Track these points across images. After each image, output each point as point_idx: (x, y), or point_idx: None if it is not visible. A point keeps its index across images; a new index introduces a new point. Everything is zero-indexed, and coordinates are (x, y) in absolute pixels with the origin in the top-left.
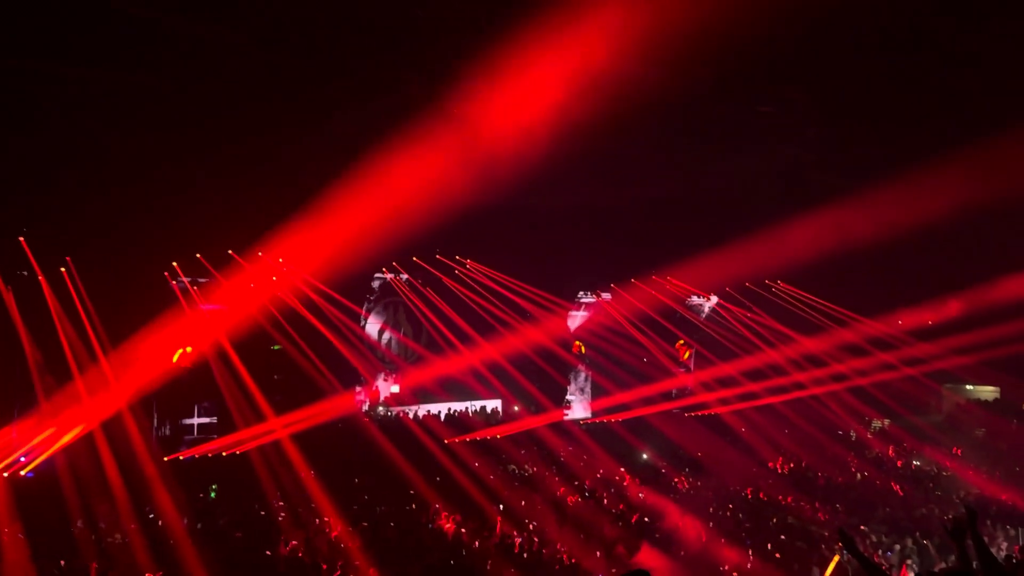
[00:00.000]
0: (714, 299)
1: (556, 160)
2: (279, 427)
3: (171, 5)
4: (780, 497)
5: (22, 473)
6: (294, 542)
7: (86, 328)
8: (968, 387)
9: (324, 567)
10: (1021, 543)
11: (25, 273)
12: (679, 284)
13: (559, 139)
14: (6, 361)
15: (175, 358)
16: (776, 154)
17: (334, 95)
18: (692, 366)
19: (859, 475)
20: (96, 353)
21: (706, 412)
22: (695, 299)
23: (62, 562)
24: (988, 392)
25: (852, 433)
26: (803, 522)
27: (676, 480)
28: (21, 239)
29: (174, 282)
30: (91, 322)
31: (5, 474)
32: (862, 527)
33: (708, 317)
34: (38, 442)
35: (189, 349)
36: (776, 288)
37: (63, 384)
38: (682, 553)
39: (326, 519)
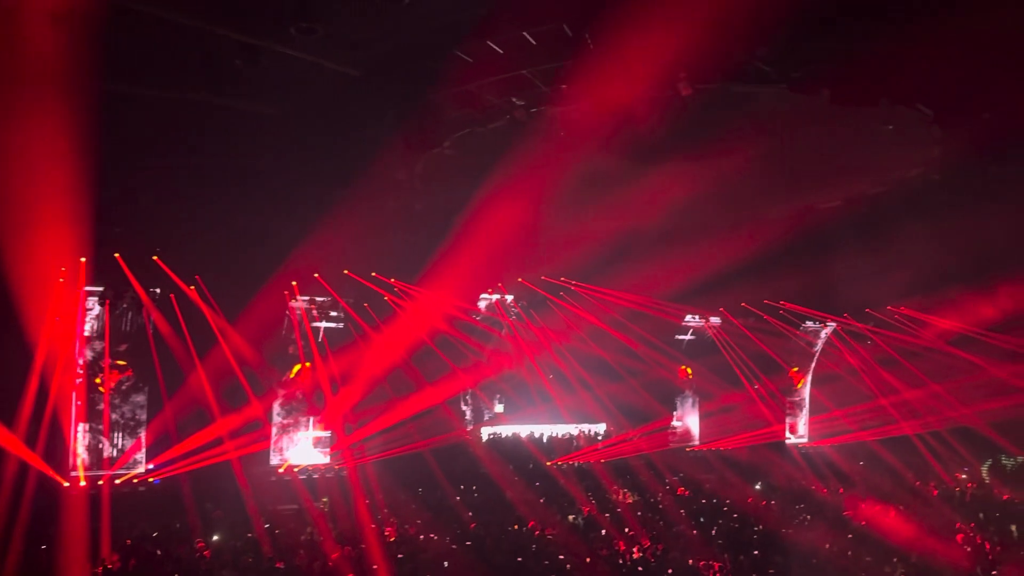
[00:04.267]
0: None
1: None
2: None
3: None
4: None
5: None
6: None
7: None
8: None
9: None
10: None
11: (158, 291)
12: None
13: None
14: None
15: (293, 373)
16: None
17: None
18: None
19: None
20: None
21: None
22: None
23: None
24: None
25: None
26: None
27: None
28: (156, 258)
29: (292, 303)
30: (226, 339)
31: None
32: None
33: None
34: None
35: (308, 364)
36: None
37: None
38: None
39: None
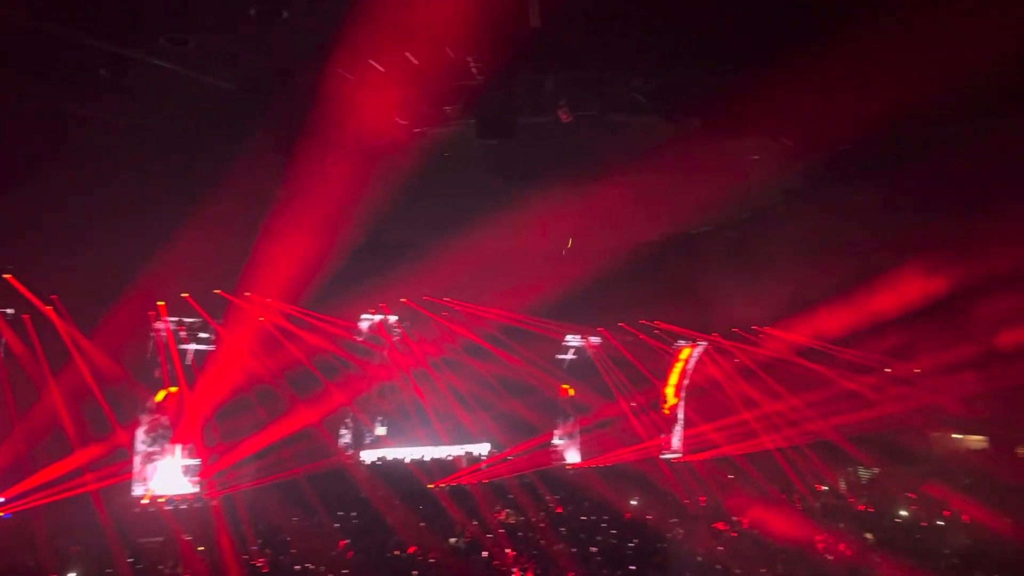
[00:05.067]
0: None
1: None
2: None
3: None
4: None
5: None
6: None
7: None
8: (955, 436)
9: None
10: None
11: (11, 311)
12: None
13: None
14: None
15: (159, 398)
16: None
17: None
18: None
19: None
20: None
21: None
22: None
23: None
24: (977, 442)
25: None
26: None
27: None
28: (8, 276)
29: (158, 323)
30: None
31: None
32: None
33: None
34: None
35: (174, 389)
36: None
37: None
38: None
39: None
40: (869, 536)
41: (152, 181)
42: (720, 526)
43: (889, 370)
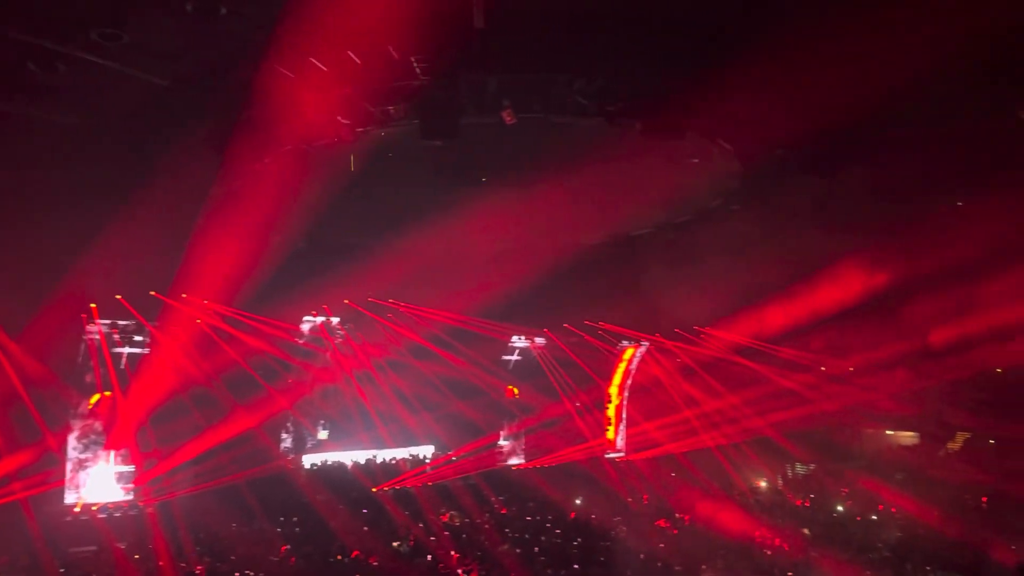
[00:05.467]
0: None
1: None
2: None
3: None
4: None
5: None
6: None
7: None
8: (888, 432)
9: None
10: None
11: None
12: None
13: None
14: None
15: (92, 403)
16: None
17: None
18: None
19: None
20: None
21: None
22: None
23: None
24: (908, 438)
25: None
26: None
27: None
28: None
29: (90, 326)
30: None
31: None
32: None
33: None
34: None
35: (107, 394)
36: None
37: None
38: None
39: None
40: (806, 531)
41: (82, 180)
42: (662, 523)
43: (824, 368)
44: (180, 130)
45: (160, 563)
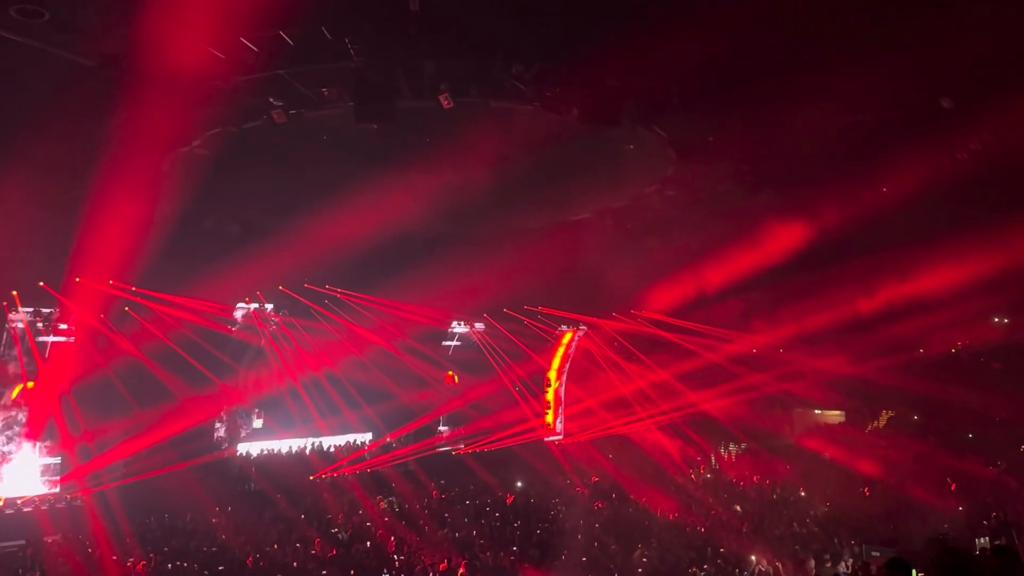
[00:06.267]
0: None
1: None
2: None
3: None
4: None
5: None
6: None
7: None
8: (816, 411)
9: None
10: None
11: None
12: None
13: None
14: None
15: (14, 394)
16: None
17: None
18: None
19: None
20: None
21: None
22: (564, 327)
23: None
24: (834, 416)
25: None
26: None
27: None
28: None
29: (12, 314)
30: None
31: None
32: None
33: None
34: None
35: (31, 384)
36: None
37: None
38: None
39: None
40: (738, 508)
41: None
42: (599, 505)
43: (756, 351)
44: (107, 113)
45: (95, 555)
